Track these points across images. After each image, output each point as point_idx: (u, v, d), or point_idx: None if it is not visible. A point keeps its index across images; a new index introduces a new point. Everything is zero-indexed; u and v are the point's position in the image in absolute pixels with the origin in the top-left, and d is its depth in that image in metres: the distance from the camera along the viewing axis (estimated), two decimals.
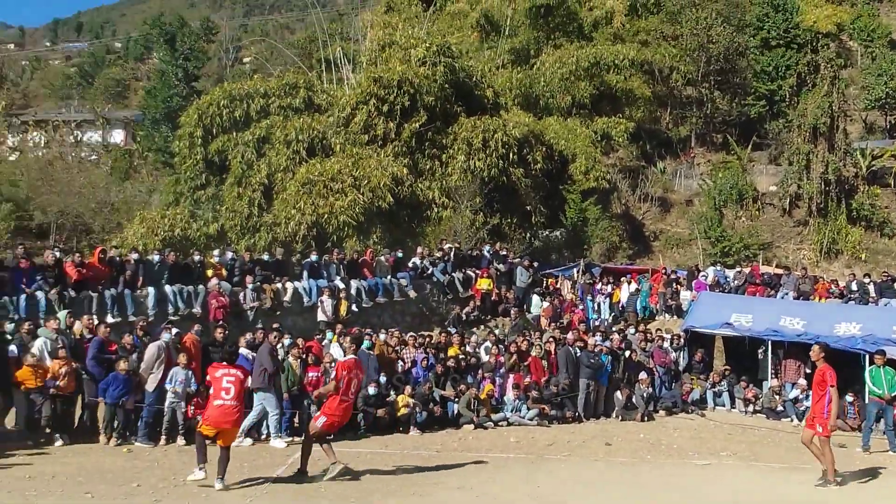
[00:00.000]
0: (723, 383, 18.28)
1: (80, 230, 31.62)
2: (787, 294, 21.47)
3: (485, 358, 16.53)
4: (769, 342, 18.10)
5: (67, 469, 10.20)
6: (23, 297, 14.47)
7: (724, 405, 18.09)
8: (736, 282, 22.75)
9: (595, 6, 39.13)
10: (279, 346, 13.75)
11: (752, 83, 36.57)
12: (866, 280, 21.48)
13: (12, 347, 12.19)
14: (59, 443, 11.93)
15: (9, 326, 12.46)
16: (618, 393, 16.84)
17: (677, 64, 35.64)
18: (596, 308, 22.99)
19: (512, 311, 20.29)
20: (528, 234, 27.24)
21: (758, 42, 37.15)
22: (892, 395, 13.37)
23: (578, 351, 16.72)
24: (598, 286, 23.78)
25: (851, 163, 31.09)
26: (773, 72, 36.29)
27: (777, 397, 17.37)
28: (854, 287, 21.37)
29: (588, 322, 20.95)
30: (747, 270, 23.36)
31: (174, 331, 13.44)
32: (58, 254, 16.13)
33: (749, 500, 10.12)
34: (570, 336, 17.55)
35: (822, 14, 39.91)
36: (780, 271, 23.26)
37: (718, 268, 24.51)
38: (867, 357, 15.14)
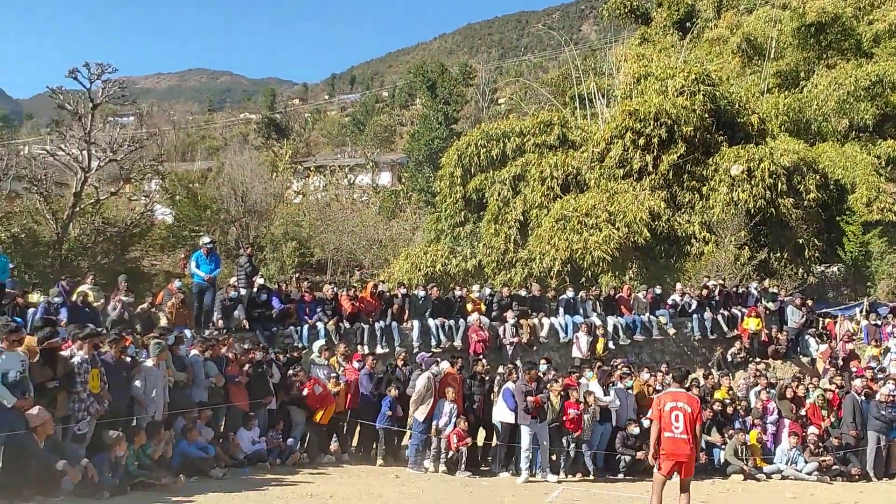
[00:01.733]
0: None
1: (352, 265, 34.43)
2: None
3: (754, 403, 15.36)
4: None
5: (343, 490, 10.84)
6: (305, 327, 16.02)
7: None
8: None
9: (876, 19, 35.65)
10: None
11: None
12: None
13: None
14: (335, 462, 12.95)
15: (282, 357, 13.71)
16: None
17: None
18: (880, 352, 20.49)
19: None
20: (801, 270, 25.12)
21: None
22: None
23: (865, 399, 14.99)
24: (889, 328, 21.24)
25: None
26: None
27: None
28: None
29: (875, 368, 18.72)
30: None
31: (443, 364, 13.91)
32: (335, 288, 17.62)
33: None
34: (857, 383, 15.74)
35: None
36: None
37: None
38: None
